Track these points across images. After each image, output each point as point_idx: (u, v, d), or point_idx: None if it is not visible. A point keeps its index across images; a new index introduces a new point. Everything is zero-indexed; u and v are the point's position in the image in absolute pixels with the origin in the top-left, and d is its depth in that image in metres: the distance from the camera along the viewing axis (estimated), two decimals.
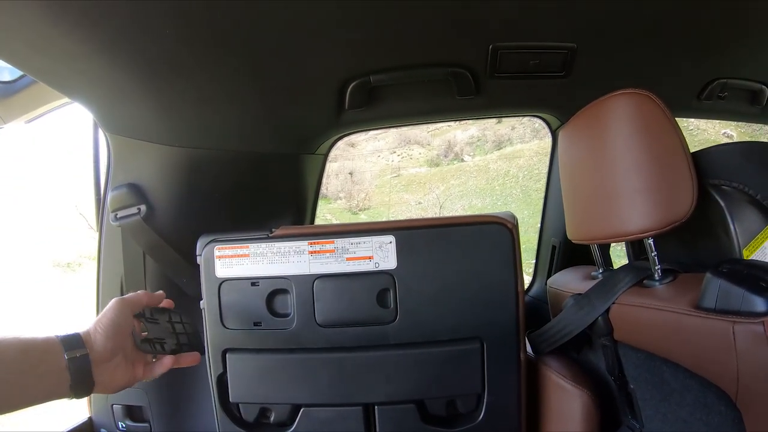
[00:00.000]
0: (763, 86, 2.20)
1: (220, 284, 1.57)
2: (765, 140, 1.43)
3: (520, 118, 17.16)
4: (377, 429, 1.61)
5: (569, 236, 1.67)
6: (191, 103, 1.69)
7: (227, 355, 1.59)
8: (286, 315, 1.57)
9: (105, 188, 1.87)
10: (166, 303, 1.45)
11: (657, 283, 1.33)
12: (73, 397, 1.09)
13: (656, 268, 1.33)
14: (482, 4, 1.52)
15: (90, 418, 2.02)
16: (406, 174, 19.06)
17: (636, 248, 1.64)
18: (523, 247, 1.60)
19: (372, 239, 1.54)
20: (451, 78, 1.84)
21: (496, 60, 1.76)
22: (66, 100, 1.80)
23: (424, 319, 1.55)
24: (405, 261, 1.54)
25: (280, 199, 2.21)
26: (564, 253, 2.40)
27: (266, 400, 1.63)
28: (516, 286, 1.54)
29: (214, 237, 1.59)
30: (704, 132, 15.24)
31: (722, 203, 1.28)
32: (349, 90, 1.83)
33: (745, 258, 1.24)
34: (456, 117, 2.27)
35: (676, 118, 1.31)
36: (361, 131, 2.26)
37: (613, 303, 1.38)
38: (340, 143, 2.34)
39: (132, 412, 2.03)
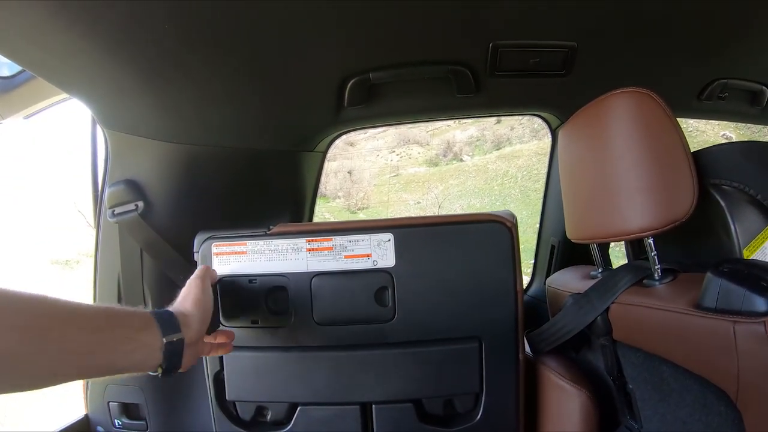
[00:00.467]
0: (764, 87, 2.20)
1: (218, 281, 1.56)
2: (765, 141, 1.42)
3: (520, 118, 17.20)
4: (374, 428, 1.60)
5: (569, 235, 1.66)
6: (190, 100, 1.69)
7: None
8: (283, 313, 1.56)
9: (102, 184, 1.86)
10: None
11: (657, 283, 1.32)
12: (156, 374, 1.11)
13: (656, 267, 1.32)
14: (483, 3, 1.52)
15: (86, 416, 2.01)
16: (405, 173, 19.09)
17: (635, 248, 1.63)
18: (522, 247, 1.59)
19: (370, 237, 1.54)
20: (451, 76, 1.83)
21: (497, 58, 1.75)
22: (64, 95, 1.80)
23: (422, 317, 1.55)
24: (403, 259, 1.54)
25: (279, 197, 2.21)
26: (563, 252, 2.39)
27: (263, 399, 1.63)
28: (515, 285, 1.53)
29: (212, 234, 1.58)
30: (703, 134, 15.25)
31: (722, 203, 1.27)
32: (348, 87, 1.82)
33: (745, 258, 1.23)
34: (456, 115, 2.27)
35: (676, 119, 1.30)
36: (361, 129, 2.26)
37: (613, 302, 1.37)
38: (339, 141, 2.33)
39: (128, 410, 2.02)
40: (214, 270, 1.48)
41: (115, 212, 1.81)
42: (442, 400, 1.60)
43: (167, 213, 1.86)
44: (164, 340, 1.08)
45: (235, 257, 1.57)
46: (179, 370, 1.16)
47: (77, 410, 2.03)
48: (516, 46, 1.73)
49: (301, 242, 1.55)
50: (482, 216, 1.55)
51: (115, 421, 2.02)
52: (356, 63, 1.76)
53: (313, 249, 1.55)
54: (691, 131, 14.96)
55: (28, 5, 1.20)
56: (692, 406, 1.21)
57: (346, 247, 1.54)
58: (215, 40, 1.49)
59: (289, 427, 1.62)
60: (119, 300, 1.92)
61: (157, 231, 1.83)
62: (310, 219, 2.44)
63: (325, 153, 2.32)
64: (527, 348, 1.69)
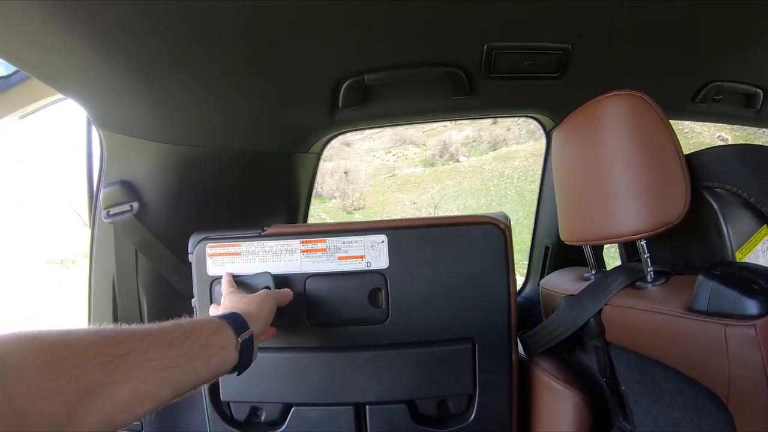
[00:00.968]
0: (758, 89, 2.20)
1: (212, 282, 1.57)
2: (759, 143, 1.42)
3: (516, 119, 17.18)
4: (368, 429, 1.60)
5: (562, 237, 1.66)
6: (184, 101, 1.69)
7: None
8: (277, 314, 1.55)
9: (98, 185, 1.86)
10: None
11: (649, 285, 1.32)
12: (233, 373, 1.19)
13: (649, 270, 1.33)
14: (477, 4, 1.52)
15: None
16: (402, 174, 19.07)
17: (629, 250, 1.64)
18: (517, 248, 1.59)
19: (364, 238, 1.54)
20: (446, 78, 1.83)
21: (491, 60, 1.75)
22: (60, 96, 1.80)
23: (415, 318, 1.55)
24: (397, 260, 1.54)
25: (273, 198, 2.21)
26: (557, 254, 2.40)
27: (257, 399, 1.63)
28: (508, 286, 1.54)
29: (206, 235, 1.59)
30: (699, 135, 15.25)
31: (715, 205, 1.27)
32: (343, 89, 1.82)
33: (737, 261, 1.24)
34: (450, 117, 2.27)
35: (671, 121, 1.30)
36: (355, 130, 2.26)
37: (606, 304, 1.38)
38: (334, 142, 2.33)
39: None
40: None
41: (110, 213, 1.81)
42: (435, 400, 1.61)
43: (162, 214, 1.86)
44: (239, 339, 1.15)
45: (229, 258, 1.57)
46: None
47: None
48: (510, 48, 1.73)
49: (295, 243, 1.55)
50: (476, 218, 1.56)
51: None
52: (351, 65, 1.75)
53: (307, 250, 1.55)
54: (686, 132, 14.97)
55: (23, 6, 1.20)
56: (684, 408, 1.22)
57: (339, 249, 1.55)
58: (209, 42, 1.49)
59: (283, 427, 1.62)
60: (114, 300, 1.92)
61: (152, 232, 1.83)
62: (305, 220, 2.44)
63: (319, 154, 2.32)
64: (521, 349, 1.70)
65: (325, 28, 1.55)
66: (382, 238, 1.54)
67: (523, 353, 1.72)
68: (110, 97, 1.63)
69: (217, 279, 1.57)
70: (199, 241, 1.59)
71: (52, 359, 0.78)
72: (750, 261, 1.24)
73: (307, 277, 1.55)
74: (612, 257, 2.21)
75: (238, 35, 1.50)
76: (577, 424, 1.54)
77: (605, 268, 1.75)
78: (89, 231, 1.94)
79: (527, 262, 2.67)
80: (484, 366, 1.57)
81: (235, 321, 1.17)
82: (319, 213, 16.12)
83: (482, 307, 1.54)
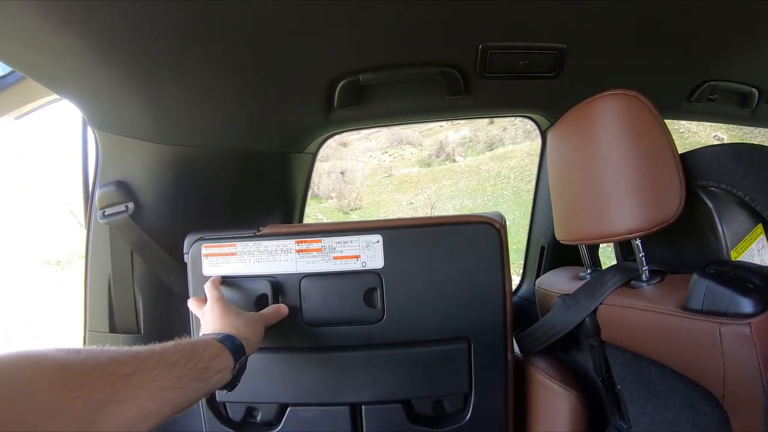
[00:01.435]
0: (753, 89, 2.20)
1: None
2: (756, 143, 1.42)
3: (512, 119, 17.17)
4: (364, 429, 1.61)
5: (557, 237, 1.66)
6: (180, 101, 1.68)
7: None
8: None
9: (93, 186, 1.86)
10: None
11: (644, 284, 1.32)
12: (225, 391, 1.25)
13: (644, 269, 1.33)
14: (472, 4, 1.52)
15: None
16: (398, 174, 19.07)
17: (624, 249, 1.64)
18: (513, 247, 1.60)
19: (359, 238, 1.54)
20: (441, 77, 1.83)
21: (486, 60, 1.75)
22: (54, 96, 1.80)
23: (411, 318, 1.55)
24: (392, 260, 1.54)
25: (269, 198, 2.21)
26: (553, 253, 2.40)
27: (253, 400, 1.63)
28: (504, 286, 1.54)
29: (201, 235, 1.59)
30: (695, 135, 15.27)
31: (710, 204, 1.27)
32: (338, 89, 1.82)
33: (733, 259, 1.24)
34: (445, 117, 2.26)
35: (667, 120, 1.31)
36: (351, 130, 2.25)
37: (601, 303, 1.38)
38: (331, 142, 2.33)
39: None
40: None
41: (105, 213, 1.80)
42: (431, 400, 1.61)
43: (157, 214, 1.86)
44: (237, 365, 1.22)
45: (225, 258, 1.57)
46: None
47: None
48: (505, 47, 1.72)
49: (290, 243, 1.56)
50: (471, 217, 1.56)
51: None
52: (345, 65, 1.75)
53: (302, 250, 1.55)
54: (683, 132, 14.98)
55: (18, 6, 1.19)
56: (679, 407, 1.22)
57: (335, 249, 1.55)
58: (206, 42, 1.49)
59: (279, 428, 1.62)
60: (110, 301, 1.92)
61: (148, 232, 1.83)
62: (301, 220, 2.44)
63: (315, 154, 2.32)
64: (516, 349, 1.70)
65: (320, 28, 1.55)
66: (377, 238, 1.54)
67: (518, 352, 1.72)
68: (106, 97, 1.63)
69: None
70: (195, 242, 1.59)
71: (61, 377, 0.82)
72: (745, 260, 1.24)
73: (303, 277, 1.56)
74: (608, 257, 2.21)
75: (235, 35, 1.49)
76: (573, 424, 1.54)
77: (601, 267, 1.75)
78: (85, 232, 1.94)
79: (523, 262, 2.67)
80: (480, 365, 1.57)
81: (233, 346, 1.23)
82: (315, 213, 16.11)
83: (478, 306, 1.55)
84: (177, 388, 1.02)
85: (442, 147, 19.55)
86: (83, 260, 1.97)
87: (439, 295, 1.55)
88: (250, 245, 1.57)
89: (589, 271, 1.67)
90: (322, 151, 2.31)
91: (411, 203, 17.41)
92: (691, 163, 1.31)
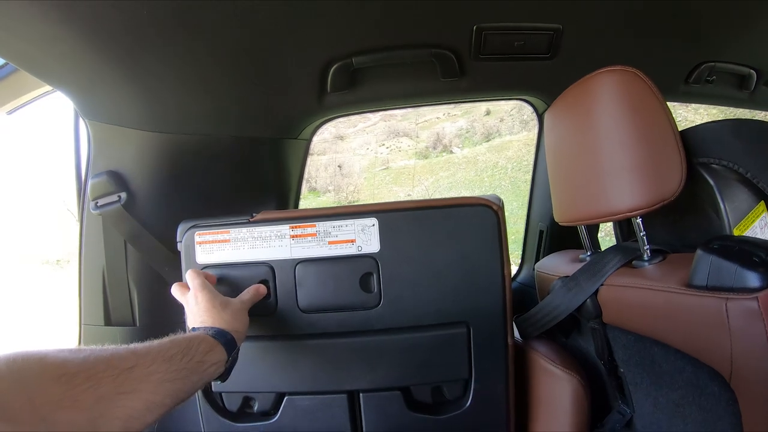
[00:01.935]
0: (752, 70, 2.19)
1: (201, 270, 1.54)
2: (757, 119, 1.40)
3: (509, 109, 17.18)
4: (362, 417, 1.59)
5: (556, 218, 1.64)
6: (170, 88, 1.68)
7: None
8: (268, 301, 1.55)
9: (86, 177, 1.85)
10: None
11: (646, 264, 1.30)
12: (219, 381, 1.31)
13: (645, 248, 1.31)
14: None
15: None
16: (395, 166, 19.08)
17: (625, 230, 1.62)
18: (512, 238, 1.58)
19: (354, 222, 1.52)
20: (435, 60, 1.82)
21: (481, 41, 1.74)
22: (46, 89, 1.79)
23: (408, 303, 1.53)
24: (388, 244, 1.52)
25: (263, 185, 2.20)
26: (551, 237, 2.38)
27: (249, 389, 1.62)
28: (502, 269, 1.52)
29: (195, 223, 1.57)
30: (692, 123, 15.27)
31: (712, 182, 1.25)
32: (331, 72, 1.81)
33: None
34: (440, 99, 2.24)
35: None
36: (345, 115, 2.23)
37: (602, 284, 1.36)
38: (327, 136, 2.34)
39: None
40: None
41: (98, 204, 1.80)
42: (430, 387, 1.59)
43: (150, 203, 1.85)
44: (230, 358, 1.27)
45: (218, 245, 1.55)
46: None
47: None
48: (500, 28, 1.71)
49: (285, 229, 1.53)
50: (468, 200, 1.53)
51: None
52: (338, 47, 1.74)
53: (296, 235, 1.53)
54: (680, 121, 14.95)
55: None
56: (685, 388, 1.20)
57: (330, 233, 1.53)
58: (194, 27, 1.48)
59: (276, 417, 1.61)
60: (104, 293, 1.91)
61: (141, 222, 1.83)
62: (296, 207, 2.43)
63: (309, 141, 2.30)
64: (516, 334, 1.68)
65: (312, 11, 1.53)
66: (372, 222, 1.52)
67: (518, 337, 1.71)
68: (95, 85, 1.62)
69: (207, 267, 1.56)
70: (188, 229, 1.57)
71: (66, 372, 0.86)
72: None
73: (297, 263, 1.54)
74: (608, 243, 2.20)
75: (225, 20, 1.48)
76: (575, 408, 1.52)
77: (601, 249, 1.73)
78: (78, 224, 1.92)
79: (522, 247, 2.65)
80: (480, 350, 1.55)
81: (225, 340, 1.27)
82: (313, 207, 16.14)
83: (476, 289, 1.52)
84: (177, 380, 1.07)
85: (439, 138, 19.55)
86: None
87: (437, 278, 1.53)
88: (244, 231, 1.55)
89: (589, 253, 1.65)
90: (319, 145, 2.31)
91: (409, 195, 17.41)
92: (691, 139, 1.28)
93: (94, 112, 1.74)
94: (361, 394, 1.58)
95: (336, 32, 1.67)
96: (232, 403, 1.64)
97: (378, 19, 1.62)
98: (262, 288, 1.52)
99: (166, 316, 1.78)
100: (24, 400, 0.78)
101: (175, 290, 1.47)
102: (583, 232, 1.66)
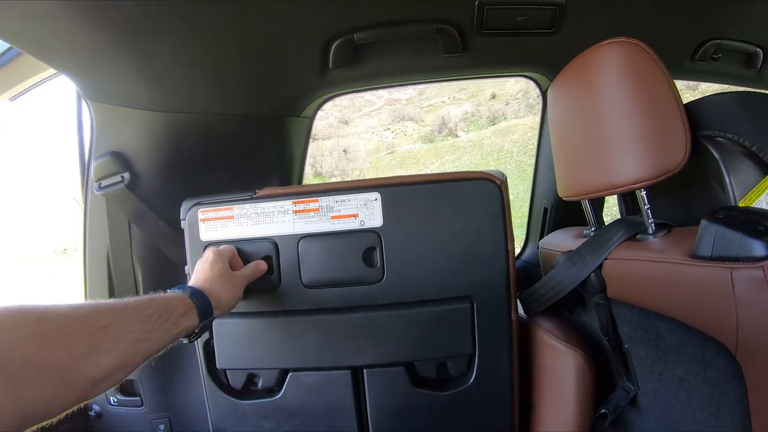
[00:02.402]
0: (758, 48, 2.17)
1: (205, 248, 1.55)
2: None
3: (515, 93, 17.12)
4: (366, 393, 1.59)
5: (560, 194, 1.63)
6: (171, 66, 1.67)
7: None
8: (271, 276, 1.55)
9: (89, 159, 1.86)
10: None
11: (651, 237, 1.29)
12: (185, 341, 1.30)
13: (650, 221, 1.30)
14: None
15: None
16: (401, 150, 19.07)
17: (629, 205, 1.62)
18: (518, 222, 1.58)
19: (357, 197, 1.52)
20: (437, 35, 1.81)
21: (483, 16, 1.73)
22: (49, 73, 1.81)
23: (411, 277, 1.53)
24: (391, 218, 1.52)
25: (266, 163, 2.19)
26: (556, 215, 2.37)
27: (253, 366, 1.62)
28: (506, 243, 1.51)
29: (198, 200, 1.57)
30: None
31: (717, 155, 1.24)
32: (333, 48, 1.81)
33: None
34: (443, 76, 2.23)
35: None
36: (348, 92, 2.23)
37: (606, 258, 1.35)
38: (332, 120, 2.34)
39: (123, 387, 2.05)
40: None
41: (101, 185, 1.81)
42: (434, 363, 1.59)
43: (154, 183, 1.85)
44: (201, 324, 1.26)
45: (222, 222, 1.55)
46: None
47: None
48: (503, 2, 1.70)
49: (287, 204, 1.53)
50: (471, 174, 1.52)
51: (110, 398, 2.05)
52: (340, 23, 1.74)
53: (299, 210, 1.53)
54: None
55: None
56: (690, 362, 1.20)
57: (332, 208, 1.52)
58: (196, 5, 1.47)
59: (280, 394, 1.61)
60: (109, 273, 1.93)
61: (144, 202, 1.83)
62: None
63: (312, 118, 2.31)
64: (520, 310, 1.67)
65: None
66: (375, 196, 1.51)
67: (522, 314, 1.70)
68: (97, 65, 1.62)
69: (211, 244, 1.55)
70: (191, 207, 1.57)
71: (40, 330, 0.86)
72: None
73: (300, 238, 1.53)
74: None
75: None
76: (579, 384, 1.52)
77: (604, 225, 1.72)
78: (81, 206, 1.92)
79: (526, 225, 2.64)
80: (483, 326, 1.54)
81: (202, 306, 1.27)
82: None
83: (479, 264, 1.52)
84: (149, 341, 1.08)
85: (444, 122, 19.52)
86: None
87: (440, 253, 1.52)
88: (247, 208, 1.54)
89: (593, 229, 1.65)
90: (324, 130, 2.31)
91: None
92: (695, 112, 1.28)
93: (96, 93, 1.74)
94: (365, 370, 1.58)
95: (337, 7, 1.66)
96: (237, 381, 1.63)
97: None
98: (263, 264, 1.53)
99: None
100: None
101: (199, 267, 1.48)
102: (587, 207, 1.65)
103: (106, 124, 1.81)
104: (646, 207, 1.29)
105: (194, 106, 1.83)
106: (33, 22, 1.39)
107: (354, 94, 2.28)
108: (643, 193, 1.28)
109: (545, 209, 2.44)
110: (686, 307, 1.14)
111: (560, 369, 1.56)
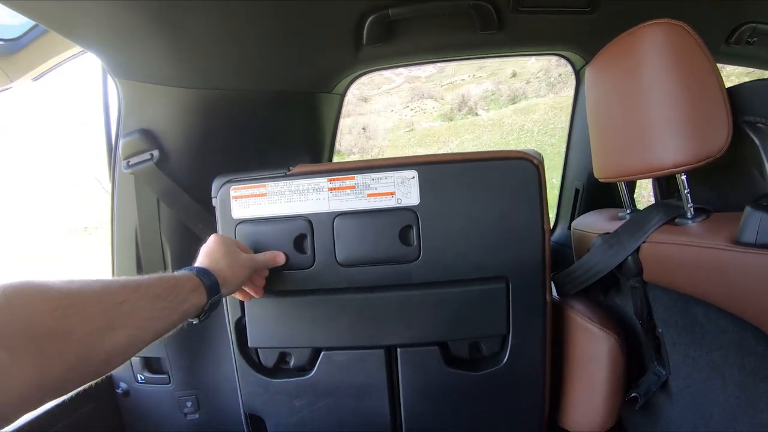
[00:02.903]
0: None
1: (237, 225, 1.55)
2: None
3: (536, 71, 17.03)
4: (399, 372, 1.59)
5: (597, 175, 1.61)
6: (201, 42, 1.67)
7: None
8: (305, 255, 1.54)
9: (116, 136, 1.86)
10: None
11: (690, 221, 1.28)
12: (193, 321, 1.31)
13: (689, 206, 1.28)
14: None
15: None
16: (420, 128, 19.04)
17: (664, 189, 1.59)
18: None
19: (394, 174, 1.51)
20: (473, 11, 1.79)
21: None
22: (72, 52, 1.80)
23: (448, 257, 1.52)
24: (428, 197, 1.51)
25: (297, 140, 2.20)
26: (587, 196, 2.35)
27: (285, 344, 1.62)
28: (542, 224, 1.50)
29: (230, 177, 1.56)
30: None
31: (758, 141, 1.21)
32: (367, 24, 1.79)
33: None
34: (477, 53, 2.22)
35: None
36: (380, 69, 2.23)
37: (644, 242, 1.34)
38: (351, 97, 2.33)
39: (150, 364, 2.05)
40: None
41: (130, 163, 1.80)
42: (468, 342, 1.59)
43: (183, 161, 1.85)
44: (210, 301, 1.28)
45: (255, 200, 1.55)
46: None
47: None
48: None
49: (323, 182, 1.52)
50: (509, 153, 1.51)
51: (138, 376, 2.05)
52: None
53: (334, 188, 1.52)
54: None
55: None
56: (726, 348, 1.19)
57: (368, 186, 1.51)
58: None
59: (312, 372, 1.61)
60: (137, 251, 1.94)
61: (174, 179, 1.83)
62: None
63: (343, 95, 2.30)
64: (553, 291, 1.66)
65: None
66: (412, 174, 1.50)
67: (555, 295, 1.70)
68: (125, 43, 1.62)
69: (243, 222, 1.56)
70: (223, 184, 1.56)
71: (60, 305, 0.89)
72: None
73: (336, 216, 1.53)
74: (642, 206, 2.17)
75: None
76: (611, 366, 1.52)
77: (639, 209, 1.71)
78: (109, 184, 1.93)
79: (557, 205, 2.62)
80: (518, 306, 1.54)
81: (210, 283, 1.29)
82: None
83: (516, 244, 1.51)
84: (160, 319, 1.11)
85: (464, 101, 19.45)
86: (109, 226, 1.98)
87: (477, 232, 1.51)
88: (281, 185, 1.54)
89: (628, 211, 1.63)
90: (343, 108, 2.28)
91: None
92: (737, 97, 1.25)
93: (124, 70, 1.73)
94: (398, 349, 1.58)
95: None
96: (268, 359, 1.64)
97: None
98: (281, 257, 1.53)
99: None
100: (22, 330, 0.82)
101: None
102: (622, 189, 1.63)
103: (134, 101, 1.81)
104: (686, 191, 1.27)
105: (224, 83, 1.83)
106: (61, 4, 1.39)
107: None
108: (684, 177, 1.26)
109: (577, 190, 2.41)
110: (727, 293, 1.12)
111: (593, 352, 1.55)
